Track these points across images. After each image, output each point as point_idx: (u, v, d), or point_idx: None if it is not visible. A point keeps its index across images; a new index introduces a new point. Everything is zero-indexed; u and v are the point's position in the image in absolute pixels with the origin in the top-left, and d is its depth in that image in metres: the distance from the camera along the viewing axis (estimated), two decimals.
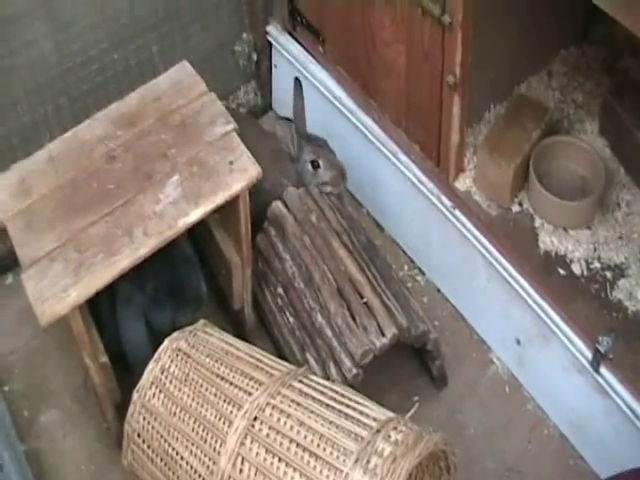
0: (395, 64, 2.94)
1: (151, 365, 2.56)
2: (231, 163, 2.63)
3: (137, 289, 2.81)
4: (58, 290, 2.41)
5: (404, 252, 3.38)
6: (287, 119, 3.27)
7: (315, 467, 2.27)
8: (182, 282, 2.90)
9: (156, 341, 2.68)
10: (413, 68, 2.87)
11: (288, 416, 2.36)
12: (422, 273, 3.33)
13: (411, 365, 3.12)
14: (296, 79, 3.32)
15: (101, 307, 2.76)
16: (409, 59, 2.87)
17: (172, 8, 3.23)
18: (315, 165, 3.20)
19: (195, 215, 2.55)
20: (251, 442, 2.34)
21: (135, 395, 2.54)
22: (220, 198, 2.58)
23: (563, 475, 2.92)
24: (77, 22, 3.01)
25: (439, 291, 3.29)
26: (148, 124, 2.73)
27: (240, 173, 2.61)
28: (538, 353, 2.93)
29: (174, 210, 2.55)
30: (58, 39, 3.00)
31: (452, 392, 3.09)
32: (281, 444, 2.32)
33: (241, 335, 2.92)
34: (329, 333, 2.83)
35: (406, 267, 3.35)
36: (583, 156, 2.95)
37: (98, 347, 2.67)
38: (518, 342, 2.99)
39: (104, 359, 2.67)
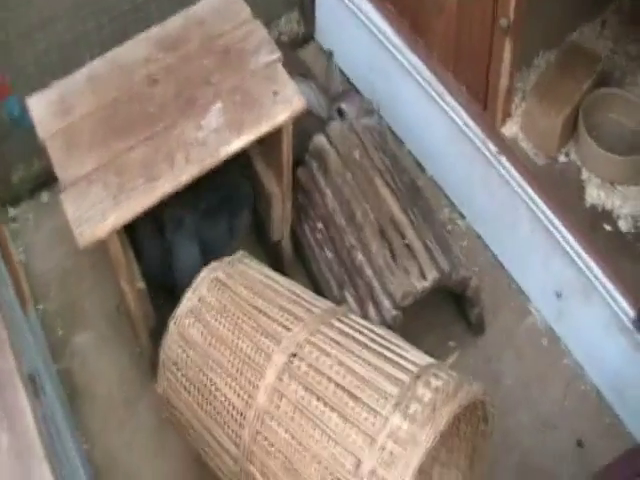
0: (446, 3, 2.86)
1: (188, 294, 2.52)
2: (275, 93, 2.57)
3: (190, 209, 2.76)
4: (97, 213, 2.36)
5: (445, 195, 3.33)
6: (303, 75, 3.22)
7: (354, 408, 2.23)
8: (231, 190, 2.84)
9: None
10: (465, 8, 2.80)
11: (327, 355, 2.32)
12: (463, 217, 3.29)
13: (449, 310, 3.09)
14: (330, 52, 3.30)
15: (140, 231, 2.71)
16: None
17: None
18: (340, 112, 3.16)
19: (237, 144, 2.50)
20: (289, 378, 2.31)
21: (171, 323, 2.51)
22: (263, 128, 2.53)
23: (598, 433, 2.90)
24: None
25: (479, 237, 3.24)
26: (191, 48, 2.66)
27: (284, 104, 2.56)
28: (578, 308, 2.89)
29: (216, 138, 2.50)
30: None
31: (489, 340, 3.06)
32: (319, 382, 2.28)
33: (278, 268, 2.88)
34: (369, 272, 2.79)
35: (447, 210, 3.30)
36: (635, 110, 2.89)
37: (135, 272, 2.64)
38: (558, 295, 2.94)
39: (140, 284, 2.65)
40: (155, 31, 2.70)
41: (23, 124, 2.73)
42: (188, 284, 2.63)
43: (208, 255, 2.74)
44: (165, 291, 2.80)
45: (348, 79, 3.59)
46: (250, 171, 2.88)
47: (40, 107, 2.55)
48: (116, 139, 2.49)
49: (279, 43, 3.44)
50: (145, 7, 3.13)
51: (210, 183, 2.67)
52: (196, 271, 2.68)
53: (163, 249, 2.79)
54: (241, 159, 2.84)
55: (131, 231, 2.60)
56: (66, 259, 3.18)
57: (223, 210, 2.84)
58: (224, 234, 2.84)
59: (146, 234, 2.77)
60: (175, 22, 2.72)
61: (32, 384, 1.85)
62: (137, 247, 2.71)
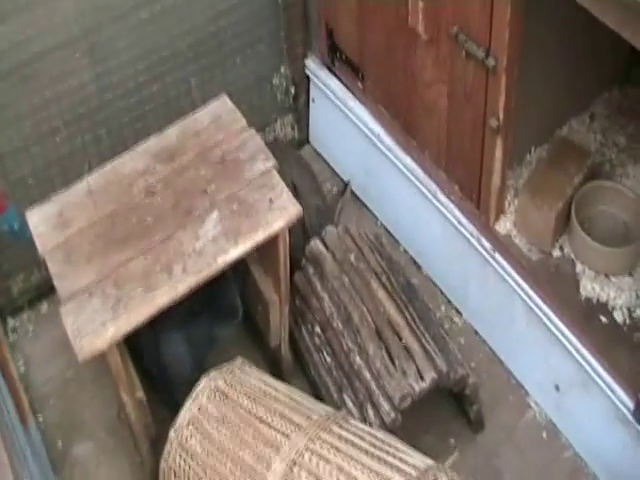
0: (436, 105, 2.92)
1: (188, 404, 2.54)
2: (271, 201, 2.62)
3: (174, 305, 2.78)
4: (96, 325, 2.40)
5: (441, 292, 3.35)
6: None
7: None
8: (218, 296, 2.86)
9: (194, 357, 2.64)
10: (455, 109, 2.85)
11: (327, 461, 2.33)
12: (459, 314, 3.30)
13: (448, 407, 3.09)
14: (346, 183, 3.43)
15: (141, 331, 2.74)
16: (451, 100, 2.84)
17: (212, 42, 3.23)
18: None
19: (235, 253, 2.54)
20: None
21: (172, 434, 2.52)
22: (260, 236, 2.57)
23: None
24: (117, 55, 3.02)
25: (477, 333, 3.26)
26: (188, 159, 2.72)
27: (280, 211, 2.60)
28: (578, 400, 2.89)
29: (214, 248, 2.54)
30: (98, 71, 3.01)
31: (489, 436, 3.06)
32: None
33: (277, 373, 2.90)
34: (367, 375, 2.81)
35: (443, 308, 3.32)
36: (626, 201, 2.93)
37: (134, 382, 2.66)
38: (557, 388, 2.95)
39: (140, 394, 2.66)
40: (152, 143, 2.76)
41: (22, 236, 2.76)
42: (179, 376, 2.65)
43: (194, 350, 2.79)
44: (165, 391, 2.82)
45: (343, 181, 3.63)
46: (246, 279, 2.91)
47: (39, 221, 2.61)
48: (115, 251, 2.53)
49: (279, 142, 3.53)
50: (142, 118, 3.19)
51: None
52: (184, 359, 2.73)
53: (156, 340, 2.83)
54: (238, 268, 2.90)
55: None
56: (66, 369, 3.19)
57: (205, 314, 2.87)
58: (205, 337, 2.87)
59: (147, 333, 2.78)
60: (172, 134, 2.78)
61: None
62: (134, 342, 2.71)
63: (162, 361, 2.82)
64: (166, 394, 2.85)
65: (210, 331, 2.88)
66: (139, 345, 2.80)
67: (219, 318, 2.90)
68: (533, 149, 3.08)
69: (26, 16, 2.74)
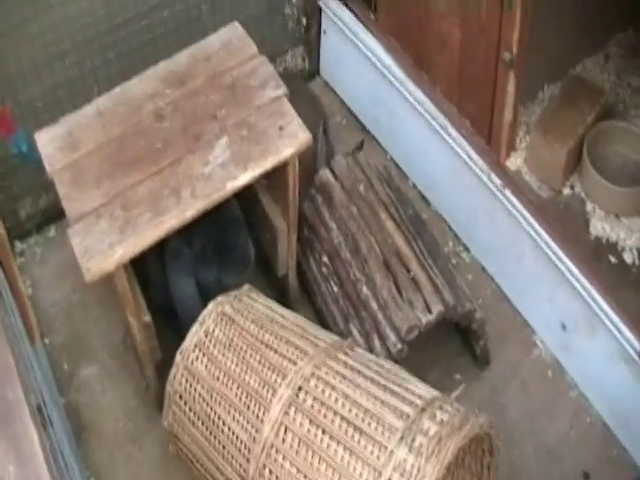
0: (449, 37, 2.89)
1: (195, 328, 2.53)
2: (281, 128, 2.59)
3: (186, 244, 2.79)
4: (104, 247, 2.38)
5: (450, 228, 3.33)
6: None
7: (359, 441, 2.24)
8: (230, 243, 2.87)
9: (203, 300, 2.65)
10: (468, 42, 2.82)
11: (333, 388, 2.32)
12: (467, 250, 3.29)
13: (454, 343, 3.09)
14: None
15: (149, 261, 2.74)
16: (464, 33, 2.81)
17: None
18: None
19: (244, 179, 2.51)
20: (295, 412, 2.31)
21: (178, 357, 2.52)
22: (269, 163, 2.54)
23: (604, 465, 2.89)
24: None
25: (484, 269, 3.24)
26: (198, 84, 2.68)
27: (290, 138, 2.57)
28: (584, 340, 2.88)
29: (223, 173, 2.51)
30: None
31: (494, 373, 3.06)
32: (325, 416, 2.29)
33: (284, 302, 2.89)
34: (374, 306, 2.80)
35: (451, 243, 3.30)
36: (638, 142, 2.91)
37: (141, 305, 2.64)
38: (563, 327, 2.94)
39: (147, 318, 2.65)
40: (162, 67, 2.72)
41: (31, 159, 2.75)
42: (187, 314, 2.65)
43: (201, 291, 2.80)
44: (171, 322, 2.82)
45: (352, 113, 3.61)
46: (255, 207, 2.90)
47: (48, 142, 2.58)
48: (123, 174, 2.51)
49: (289, 75, 3.50)
50: (152, 43, 3.15)
51: (210, 227, 2.74)
52: (194, 301, 2.73)
53: (165, 278, 2.82)
54: (250, 216, 2.92)
55: (136, 260, 2.61)
56: (72, 293, 3.20)
57: (216, 261, 2.87)
58: (214, 283, 2.86)
59: (151, 263, 2.79)
60: (182, 58, 2.74)
61: (40, 415, 1.86)
62: (143, 276, 2.72)
63: (171, 302, 2.82)
64: (172, 323, 2.85)
65: (220, 278, 2.87)
66: (148, 280, 2.80)
67: (230, 266, 2.89)
68: (546, 86, 3.05)
69: None
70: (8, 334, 1.70)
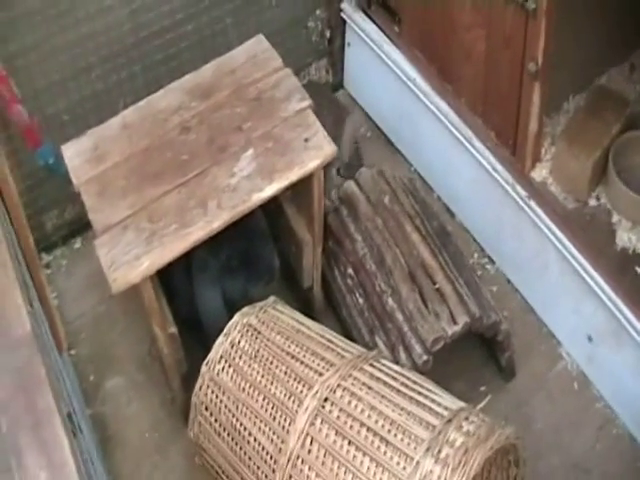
0: (474, 49, 2.89)
1: (221, 339, 2.54)
2: (306, 140, 2.60)
3: (212, 255, 2.80)
4: (130, 258, 2.39)
5: (474, 239, 3.33)
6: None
7: (385, 452, 2.24)
8: (256, 254, 2.88)
9: (228, 312, 2.67)
10: (493, 54, 2.82)
11: (359, 399, 2.33)
12: (492, 262, 3.29)
13: (479, 354, 3.08)
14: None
15: (175, 273, 2.76)
16: (489, 44, 2.81)
17: None
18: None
19: (269, 190, 2.52)
20: (321, 423, 2.32)
21: (204, 368, 2.53)
22: (295, 174, 2.55)
23: (632, 477, 2.87)
24: None
25: (509, 281, 3.24)
26: (223, 96, 2.70)
27: (315, 150, 2.58)
28: (610, 352, 2.87)
29: (248, 184, 2.52)
30: (134, 7, 2.98)
31: (520, 384, 3.05)
32: (351, 427, 2.29)
33: (309, 314, 2.89)
34: (400, 317, 2.80)
35: (476, 255, 3.30)
36: None
37: (167, 317, 2.66)
38: (589, 339, 2.93)
39: (173, 329, 2.66)
40: (187, 79, 2.74)
41: (57, 171, 2.77)
42: (213, 326, 2.66)
43: (227, 302, 2.81)
44: (196, 334, 2.83)
45: (376, 125, 3.62)
46: (280, 219, 2.90)
47: (75, 154, 2.60)
48: (149, 186, 2.52)
49: (315, 84, 3.51)
50: (177, 56, 3.17)
51: (236, 239, 2.74)
52: (220, 313, 2.74)
53: (192, 290, 2.83)
54: (275, 228, 2.93)
55: (162, 272, 2.62)
56: (98, 305, 3.21)
57: (242, 272, 2.89)
58: (240, 294, 2.88)
59: (177, 275, 2.81)
60: (207, 71, 2.76)
61: (70, 423, 1.87)
62: (168, 287, 2.74)
63: (197, 314, 2.84)
64: (198, 335, 2.86)
65: (245, 289, 2.89)
66: (174, 292, 2.81)
67: (255, 277, 2.91)
68: (571, 97, 3.03)
69: None
70: (39, 343, 1.71)
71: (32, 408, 1.63)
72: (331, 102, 3.48)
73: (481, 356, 3.08)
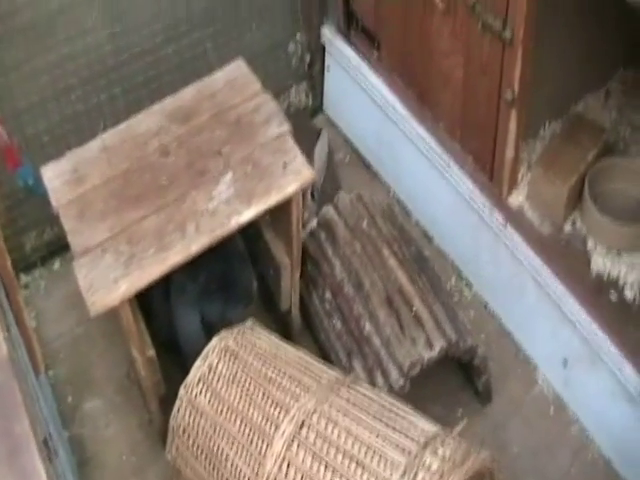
0: (452, 75, 2.91)
1: (199, 362, 2.55)
2: (285, 165, 2.61)
3: (190, 279, 2.81)
4: (109, 281, 2.39)
5: (452, 264, 3.35)
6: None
7: (362, 476, 2.25)
8: (234, 277, 2.89)
9: (207, 335, 2.67)
10: (470, 81, 2.84)
11: (336, 424, 2.34)
12: (469, 286, 3.30)
13: (456, 378, 3.09)
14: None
15: (153, 295, 2.77)
16: (467, 71, 2.84)
17: (229, 4, 3.22)
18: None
19: (248, 215, 2.54)
20: (298, 447, 2.32)
21: (182, 391, 2.53)
22: (273, 199, 2.57)
23: None
24: (133, 14, 3.01)
25: (486, 305, 3.26)
26: (202, 120, 2.71)
27: (294, 175, 2.60)
28: (585, 376, 2.89)
29: (227, 208, 2.53)
30: (114, 30, 3.00)
31: (496, 408, 3.06)
32: (328, 451, 2.30)
33: (287, 337, 2.90)
34: (377, 342, 2.81)
35: (454, 279, 3.32)
36: (639, 179, 2.91)
37: (146, 340, 2.66)
38: (565, 363, 2.95)
39: (151, 352, 2.67)
40: (167, 103, 2.76)
41: (37, 192, 2.76)
42: (191, 349, 2.67)
43: (205, 325, 2.83)
44: (175, 356, 2.84)
45: (355, 149, 3.64)
46: (258, 242, 2.91)
47: (54, 176, 2.61)
48: (128, 209, 2.53)
49: (294, 112, 3.53)
50: (158, 78, 3.19)
51: (214, 262, 2.75)
52: (198, 336, 2.75)
53: (170, 313, 2.84)
54: (253, 251, 2.95)
55: (141, 294, 2.63)
56: (77, 326, 3.21)
57: (220, 295, 2.90)
58: (218, 317, 2.89)
59: (156, 297, 2.82)
60: (187, 94, 2.78)
61: (46, 448, 1.87)
62: (147, 309, 2.75)
63: (175, 336, 2.85)
64: (176, 357, 2.87)
65: (224, 312, 2.90)
66: (152, 314, 2.83)
67: (234, 301, 2.92)
68: (547, 123, 3.05)
69: None
70: (15, 368, 1.71)
71: (8, 434, 1.63)
72: (306, 127, 3.49)
73: (458, 380, 3.09)
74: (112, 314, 2.45)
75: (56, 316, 3.24)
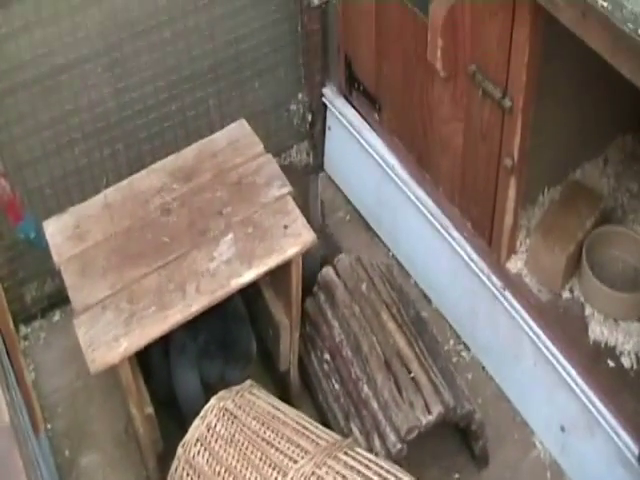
0: (452, 141, 2.94)
1: (197, 422, 2.54)
2: (285, 227, 2.63)
3: (190, 338, 2.82)
4: (109, 339, 2.40)
5: (450, 326, 3.35)
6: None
7: None
8: (233, 338, 2.90)
9: (205, 393, 2.67)
10: (470, 147, 2.86)
11: None
12: (468, 349, 3.30)
13: (453, 441, 3.08)
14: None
15: (153, 353, 2.77)
16: (466, 138, 2.86)
17: (232, 64, 3.26)
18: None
19: (248, 276, 2.55)
20: None
21: (180, 450, 2.52)
22: (274, 261, 2.58)
23: None
24: (138, 71, 3.05)
25: (484, 369, 3.25)
26: (204, 180, 2.74)
27: (294, 238, 2.61)
28: (583, 442, 2.89)
29: (227, 269, 2.55)
30: (118, 86, 3.04)
31: (493, 473, 3.05)
32: None
33: (285, 397, 2.91)
34: (375, 405, 2.81)
35: (452, 342, 3.32)
36: (636, 247, 2.93)
37: (144, 397, 2.66)
38: (562, 429, 2.95)
39: (150, 410, 2.67)
40: (169, 161, 2.79)
41: (38, 246, 2.78)
42: (190, 409, 2.67)
43: (203, 385, 2.83)
44: (173, 412, 2.84)
45: (355, 209, 3.65)
46: (257, 302, 2.92)
47: (56, 231, 2.63)
48: (130, 267, 2.54)
49: (291, 169, 3.56)
50: (160, 135, 3.22)
51: (213, 322, 2.77)
52: (197, 396, 2.76)
53: (169, 371, 2.84)
54: (252, 311, 2.96)
55: (140, 351, 2.63)
56: (76, 379, 3.20)
57: (220, 355, 2.91)
58: (217, 377, 2.90)
59: (155, 355, 2.83)
60: (189, 153, 2.80)
61: None
62: (146, 366, 2.75)
63: (174, 395, 2.86)
64: (175, 415, 2.86)
65: (222, 372, 2.92)
66: (151, 371, 2.84)
67: (233, 361, 2.93)
68: (546, 190, 3.08)
69: (51, 29, 2.78)
70: (16, 433, 1.71)
71: None
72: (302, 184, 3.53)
73: (455, 443, 3.08)
74: (111, 369, 2.44)
75: (55, 369, 3.24)
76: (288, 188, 2.71)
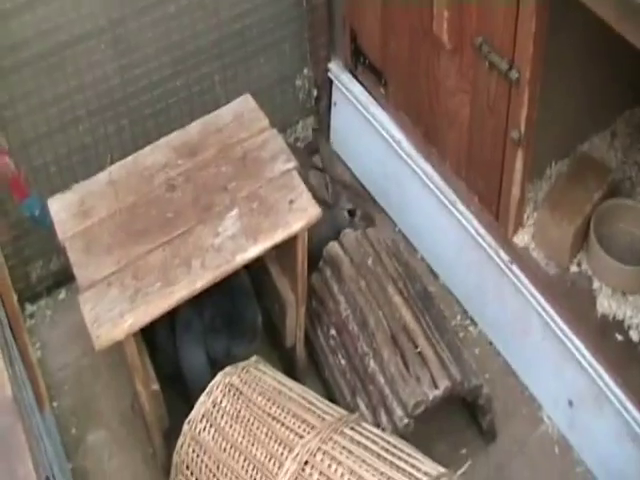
0: (458, 114, 2.91)
1: (203, 398, 2.54)
2: (291, 202, 2.61)
3: (196, 314, 2.81)
4: (114, 315, 2.39)
5: (457, 301, 3.34)
6: (319, 169, 3.34)
7: None
8: (239, 313, 2.89)
9: (211, 369, 2.67)
10: (477, 120, 2.84)
11: (339, 463, 2.33)
12: (475, 324, 3.29)
13: (460, 416, 3.08)
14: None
15: (158, 329, 2.77)
16: (473, 111, 2.84)
17: (237, 39, 3.23)
18: (352, 214, 3.26)
19: (253, 251, 2.54)
20: None
21: (186, 427, 2.53)
22: (279, 236, 2.57)
23: None
24: (142, 47, 3.03)
25: (491, 344, 3.24)
26: (209, 155, 2.72)
27: (300, 212, 2.60)
28: (590, 417, 2.88)
29: (232, 244, 2.53)
30: (122, 63, 3.01)
31: (500, 447, 3.04)
32: None
33: (291, 373, 2.91)
34: (381, 380, 2.80)
35: (459, 317, 3.31)
36: None
37: (150, 374, 2.65)
38: (570, 403, 2.94)
39: (155, 386, 2.66)
40: (174, 137, 2.76)
41: (43, 224, 2.77)
42: (197, 385, 2.67)
43: (210, 360, 2.83)
44: (179, 389, 2.84)
45: (362, 185, 3.64)
46: (263, 278, 2.91)
47: (61, 209, 2.62)
48: (134, 243, 2.53)
49: (295, 148, 3.54)
50: (165, 111, 3.20)
51: (219, 298, 2.76)
52: (203, 372, 2.75)
53: (175, 347, 2.84)
54: (258, 286, 2.94)
55: (145, 328, 2.62)
56: (82, 357, 3.21)
57: (225, 329, 2.90)
58: (223, 353, 2.89)
59: (161, 331, 2.82)
60: (194, 129, 2.78)
61: None
62: (152, 343, 2.75)
63: (180, 371, 2.86)
64: (181, 391, 2.86)
65: (228, 348, 2.91)
66: (157, 348, 2.83)
67: (239, 337, 2.92)
68: (553, 163, 3.05)
69: (54, 5, 2.75)
70: (19, 408, 1.70)
71: (11, 476, 1.62)
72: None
73: (462, 418, 3.07)
74: (117, 346, 2.43)
75: (61, 346, 3.24)
76: (294, 163, 2.69)
